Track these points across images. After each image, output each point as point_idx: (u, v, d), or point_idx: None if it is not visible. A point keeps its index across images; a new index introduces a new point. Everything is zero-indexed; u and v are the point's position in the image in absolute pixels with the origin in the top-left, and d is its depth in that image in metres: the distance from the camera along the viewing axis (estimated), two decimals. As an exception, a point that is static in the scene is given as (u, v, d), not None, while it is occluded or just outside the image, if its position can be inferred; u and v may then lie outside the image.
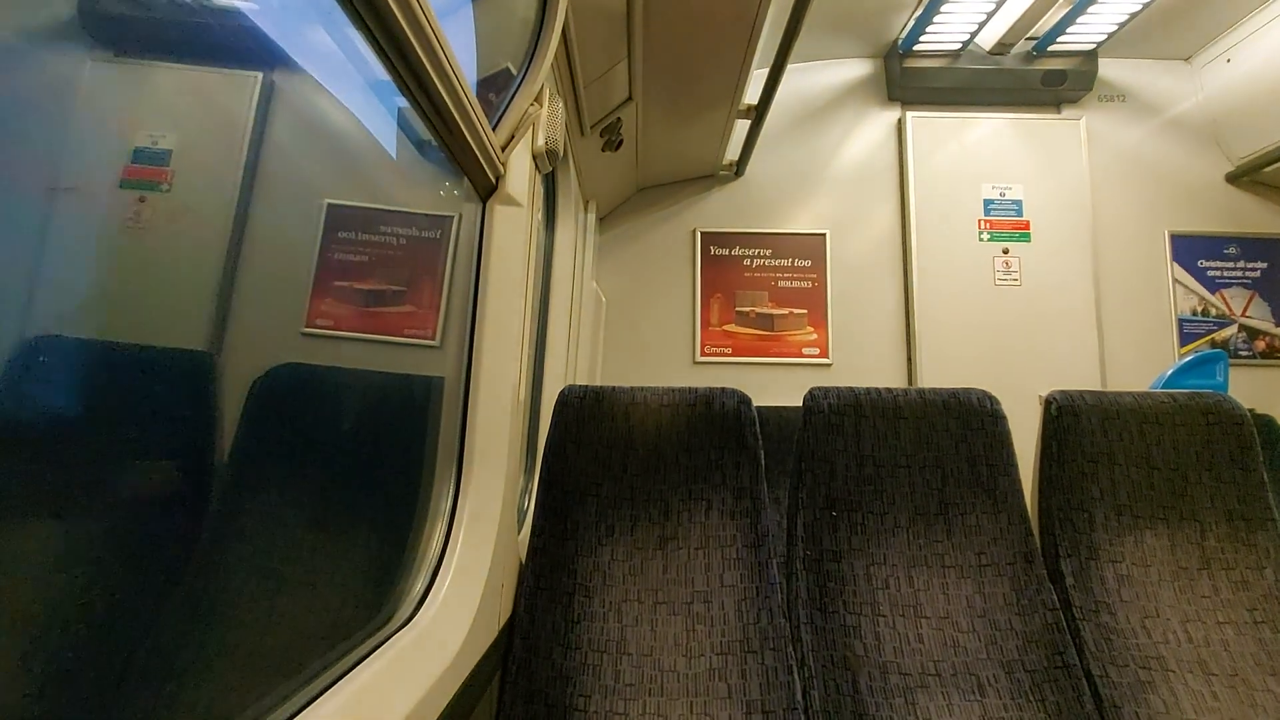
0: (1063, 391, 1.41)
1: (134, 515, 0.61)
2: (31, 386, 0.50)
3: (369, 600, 0.95)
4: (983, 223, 3.02)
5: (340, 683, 0.73)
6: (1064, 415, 1.39)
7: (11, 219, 0.49)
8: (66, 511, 0.54)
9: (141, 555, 0.62)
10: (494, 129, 1.16)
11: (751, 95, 2.42)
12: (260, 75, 0.74)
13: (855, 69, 3.24)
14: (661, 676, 1.13)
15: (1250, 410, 1.50)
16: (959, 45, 2.98)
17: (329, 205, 0.92)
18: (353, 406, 1.00)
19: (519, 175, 1.26)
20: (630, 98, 2.17)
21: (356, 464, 0.99)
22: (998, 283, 2.97)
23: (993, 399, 1.37)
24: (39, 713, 0.51)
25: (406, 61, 0.86)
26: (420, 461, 1.13)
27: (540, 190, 1.41)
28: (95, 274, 0.56)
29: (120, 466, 0.58)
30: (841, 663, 1.17)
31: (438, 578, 1.04)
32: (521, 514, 1.79)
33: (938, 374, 2.90)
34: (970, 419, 1.35)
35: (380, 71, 0.88)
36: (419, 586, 1.03)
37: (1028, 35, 2.89)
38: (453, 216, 1.21)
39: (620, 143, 2.40)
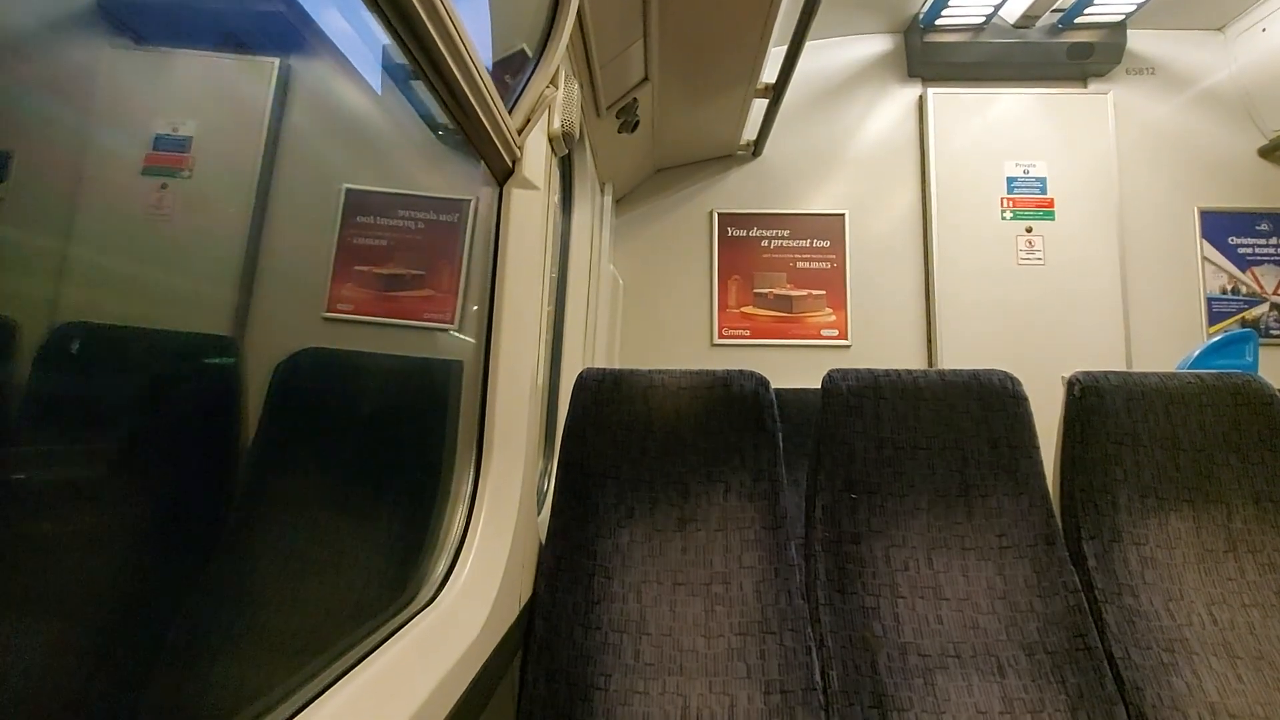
0: (1086, 372, 1.39)
1: (161, 499, 0.62)
2: (59, 373, 0.51)
3: (392, 581, 0.97)
4: (1005, 201, 2.97)
5: (365, 661, 0.75)
6: (1087, 396, 1.37)
7: (38, 208, 0.49)
8: (95, 495, 0.55)
9: (169, 538, 0.63)
10: (510, 112, 1.16)
11: (769, 74, 2.39)
12: (277, 60, 0.75)
13: (875, 45, 3.18)
14: (681, 656, 1.14)
15: (1281, 390, 1.47)
16: (982, 19, 2.92)
17: (347, 190, 0.92)
18: (374, 391, 1.01)
19: (535, 158, 1.25)
20: (646, 78, 2.15)
21: (378, 448, 1.00)
22: (1020, 262, 2.92)
23: (1014, 380, 1.36)
24: (76, 691, 0.52)
25: (421, 45, 0.85)
26: (440, 445, 1.14)
27: (556, 173, 1.41)
28: (120, 261, 0.57)
29: (145, 452, 0.60)
30: (860, 643, 1.17)
31: (459, 559, 1.06)
32: (541, 496, 1.80)
33: (959, 355, 2.87)
34: (991, 400, 1.34)
35: (396, 55, 0.88)
36: (441, 568, 1.05)
37: (1054, 8, 2.82)
38: (470, 200, 1.21)
39: (637, 124, 2.38)
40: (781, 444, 1.32)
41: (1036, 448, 1.32)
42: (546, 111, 1.28)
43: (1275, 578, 1.25)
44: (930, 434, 1.32)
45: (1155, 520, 1.31)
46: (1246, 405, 1.36)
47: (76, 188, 0.53)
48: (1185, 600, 1.24)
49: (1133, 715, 1.11)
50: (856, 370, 1.36)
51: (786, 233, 3.06)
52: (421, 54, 0.87)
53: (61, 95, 0.51)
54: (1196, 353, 2.12)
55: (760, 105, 2.66)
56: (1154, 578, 1.26)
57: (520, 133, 1.22)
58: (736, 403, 1.33)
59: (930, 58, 3.03)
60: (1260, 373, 1.47)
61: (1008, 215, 2.96)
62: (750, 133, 2.94)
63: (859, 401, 1.34)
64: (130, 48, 0.57)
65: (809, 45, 2.20)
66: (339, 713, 0.64)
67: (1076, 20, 2.89)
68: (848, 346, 2.97)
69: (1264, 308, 2.92)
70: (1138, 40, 3.05)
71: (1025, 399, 1.34)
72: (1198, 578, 1.26)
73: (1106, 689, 1.11)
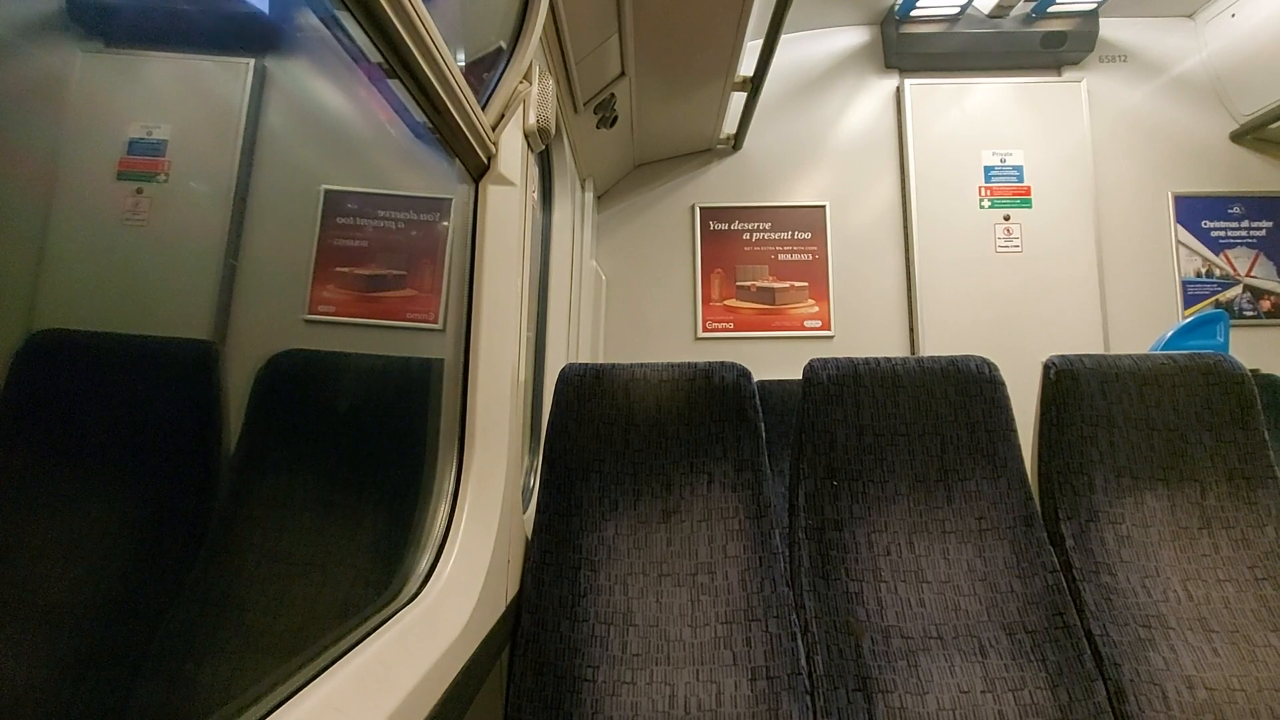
0: (1061, 356, 1.41)
1: (144, 506, 0.62)
2: (37, 381, 0.51)
3: (375, 579, 0.97)
4: (983, 190, 2.99)
5: (346, 657, 0.75)
6: (1063, 379, 1.39)
7: (11, 215, 0.49)
8: (77, 503, 0.55)
9: (154, 544, 0.63)
10: (483, 108, 1.16)
11: (747, 67, 2.39)
12: (252, 61, 0.74)
13: (851, 36, 3.19)
14: (668, 646, 1.15)
15: (1254, 371, 1.50)
16: (957, 9, 2.94)
17: (326, 190, 0.92)
18: (355, 391, 1.01)
19: (511, 154, 1.26)
20: (623, 73, 2.15)
21: (360, 447, 1.00)
22: (999, 250, 2.95)
23: (991, 365, 1.38)
24: (60, 697, 0.52)
25: (389, 41, 0.85)
26: (423, 442, 1.14)
27: (535, 169, 1.41)
28: (96, 267, 0.57)
29: (127, 458, 0.59)
30: (844, 628, 1.18)
31: (442, 555, 1.06)
32: (528, 492, 1.81)
33: (940, 343, 2.89)
34: (969, 386, 1.35)
35: (370, 53, 0.88)
36: (424, 564, 1.05)
37: (1027, -4, 2.85)
38: (450, 198, 1.21)
39: (615, 119, 2.38)
40: (764, 434, 1.33)
41: (1014, 431, 1.34)
42: (521, 107, 1.28)
43: (1249, 553, 1.27)
44: (909, 420, 1.34)
45: (1131, 499, 1.33)
46: (1218, 385, 1.38)
47: (50, 195, 0.52)
48: (1161, 577, 1.26)
49: (1111, 691, 1.14)
50: (836, 359, 1.37)
51: (768, 225, 3.08)
52: (390, 51, 0.87)
53: (31, 101, 0.51)
54: (1169, 334, 2.16)
55: (739, 99, 2.67)
56: (1130, 556, 1.28)
57: (495, 129, 1.22)
58: (718, 394, 1.34)
59: (906, 49, 3.05)
60: (1232, 353, 1.50)
61: (986, 204, 2.98)
62: (730, 126, 2.95)
63: (839, 390, 1.35)
64: (101, 51, 0.57)
65: (786, 38, 2.21)
66: (321, 707, 0.65)
67: (1049, 9, 2.92)
68: (831, 337, 2.99)
69: (1237, 290, 2.96)
70: (1110, 28, 3.09)
71: (1002, 383, 1.36)
72: (1173, 555, 1.28)
73: (1085, 666, 1.13)
